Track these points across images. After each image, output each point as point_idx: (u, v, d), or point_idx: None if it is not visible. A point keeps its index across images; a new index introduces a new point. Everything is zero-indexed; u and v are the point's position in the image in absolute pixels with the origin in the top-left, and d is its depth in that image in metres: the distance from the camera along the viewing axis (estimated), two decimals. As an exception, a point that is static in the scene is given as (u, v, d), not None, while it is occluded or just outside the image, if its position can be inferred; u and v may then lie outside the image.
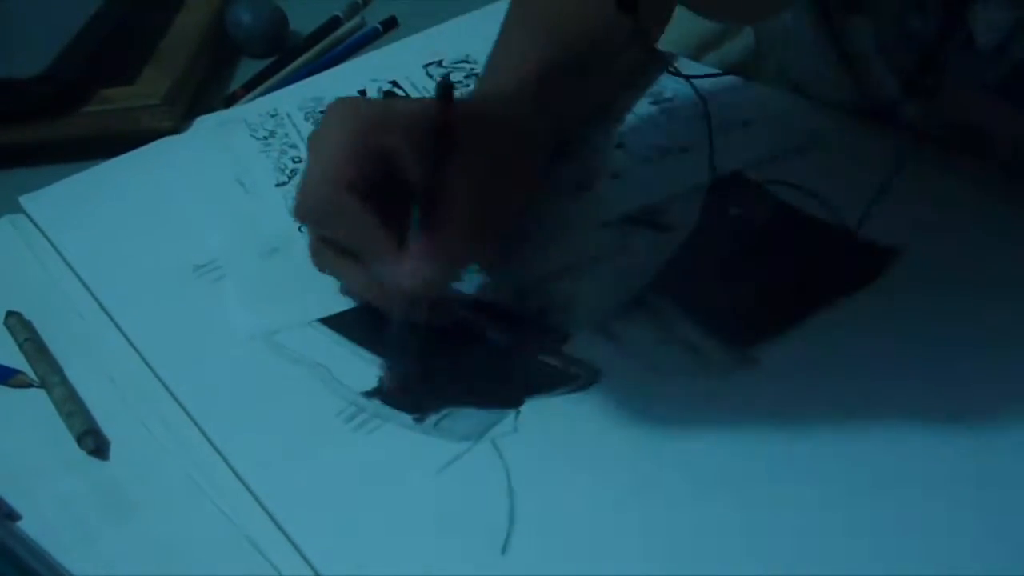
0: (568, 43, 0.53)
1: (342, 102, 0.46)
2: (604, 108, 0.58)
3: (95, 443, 0.42)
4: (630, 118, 0.58)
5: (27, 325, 0.49)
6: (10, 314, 0.49)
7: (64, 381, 0.45)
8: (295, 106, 0.64)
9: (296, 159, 0.59)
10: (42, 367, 0.46)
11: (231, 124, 0.63)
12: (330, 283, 0.48)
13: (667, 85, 0.60)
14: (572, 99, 0.53)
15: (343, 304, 0.48)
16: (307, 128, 0.62)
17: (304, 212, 0.45)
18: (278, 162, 0.59)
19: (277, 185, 0.57)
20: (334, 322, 0.47)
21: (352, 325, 0.47)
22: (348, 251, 0.44)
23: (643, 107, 0.58)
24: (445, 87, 0.44)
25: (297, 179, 0.55)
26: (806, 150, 0.54)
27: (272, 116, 0.63)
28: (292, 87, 0.68)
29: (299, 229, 0.51)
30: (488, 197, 0.44)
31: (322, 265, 0.47)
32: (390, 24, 0.78)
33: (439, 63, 0.66)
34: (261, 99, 0.68)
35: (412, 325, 0.43)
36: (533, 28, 0.54)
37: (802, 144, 0.54)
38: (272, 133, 0.61)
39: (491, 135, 0.46)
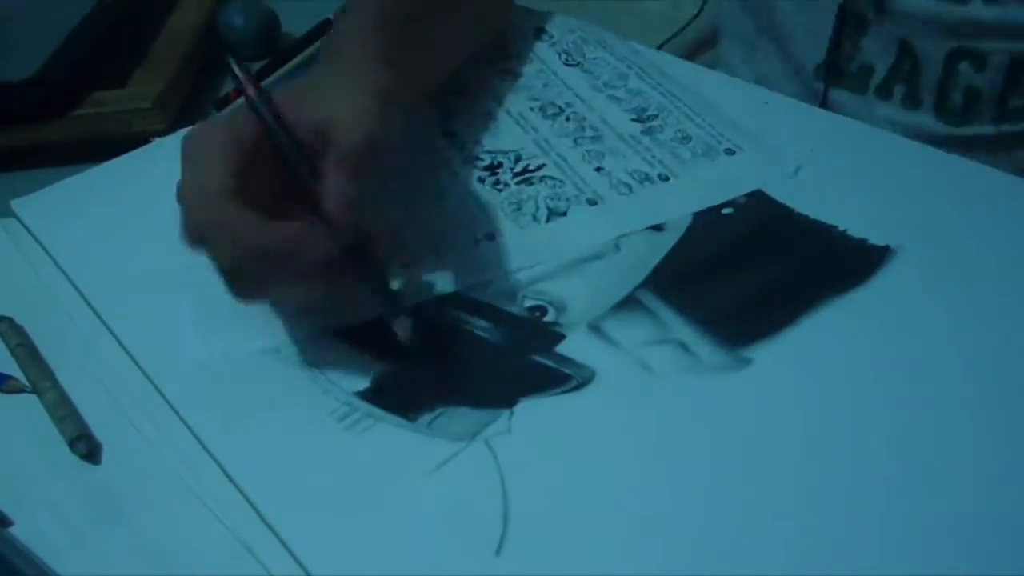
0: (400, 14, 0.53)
1: (188, 135, 0.45)
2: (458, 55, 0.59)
3: (87, 447, 0.42)
4: (610, 137, 0.56)
5: (19, 330, 0.48)
6: (1, 319, 0.49)
7: (56, 386, 0.45)
8: None
9: None
10: (34, 372, 0.46)
11: None
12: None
13: (652, 99, 0.58)
14: (420, 45, 0.53)
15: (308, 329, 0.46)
16: None
17: (195, 234, 0.42)
18: None
19: None
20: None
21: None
22: (272, 266, 0.42)
23: (624, 124, 0.57)
24: (231, 63, 0.45)
25: None
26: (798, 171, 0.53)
27: None
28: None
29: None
30: (360, 109, 0.44)
31: (253, 293, 0.44)
32: None
33: None
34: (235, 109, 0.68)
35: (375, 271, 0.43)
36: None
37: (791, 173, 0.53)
38: None
39: (341, 73, 0.47)
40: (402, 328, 0.43)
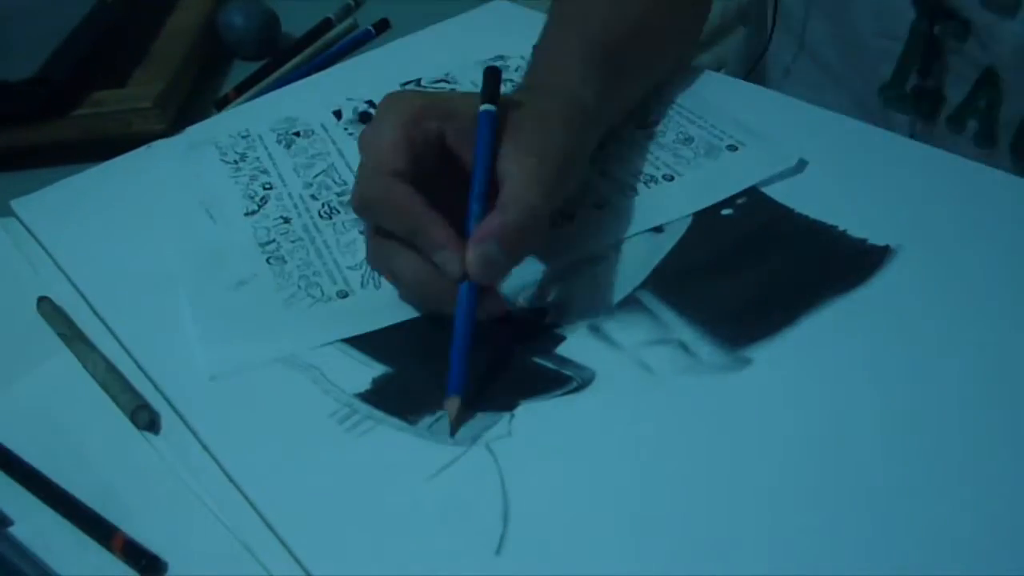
0: (603, 41, 0.54)
1: (391, 97, 0.47)
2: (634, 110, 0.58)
3: (149, 417, 0.43)
4: (613, 144, 0.56)
5: (60, 310, 0.49)
6: (42, 299, 0.50)
7: (106, 360, 0.46)
8: (267, 127, 0.63)
9: (266, 185, 0.57)
10: (81, 349, 0.47)
11: (201, 147, 0.62)
12: (300, 320, 0.47)
13: (651, 107, 0.59)
14: (611, 95, 0.53)
15: (312, 340, 0.46)
16: (278, 151, 0.60)
17: (359, 204, 0.45)
18: (248, 188, 0.57)
19: (246, 214, 0.55)
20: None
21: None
22: (407, 242, 0.44)
23: (626, 132, 0.57)
24: (492, 71, 0.47)
25: (267, 207, 0.55)
26: (799, 170, 0.53)
27: (244, 137, 0.62)
28: (267, 97, 0.68)
29: (267, 261, 0.51)
30: (542, 179, 0.44)
31: (378, 261, 0.46)
32: (382, 26, 0.78)
33: (418, 82, 0.66)
34: (235, 112, 0.68)
35: (470, 322, 0.43)
36: (571, 28, 0.55)
37: (795, 169, 0.53)
38: (243, 157, 0.60)
39: (542, 119, 0.47)
40: (451, 407, 0.41)
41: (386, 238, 0.45)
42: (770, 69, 0.72)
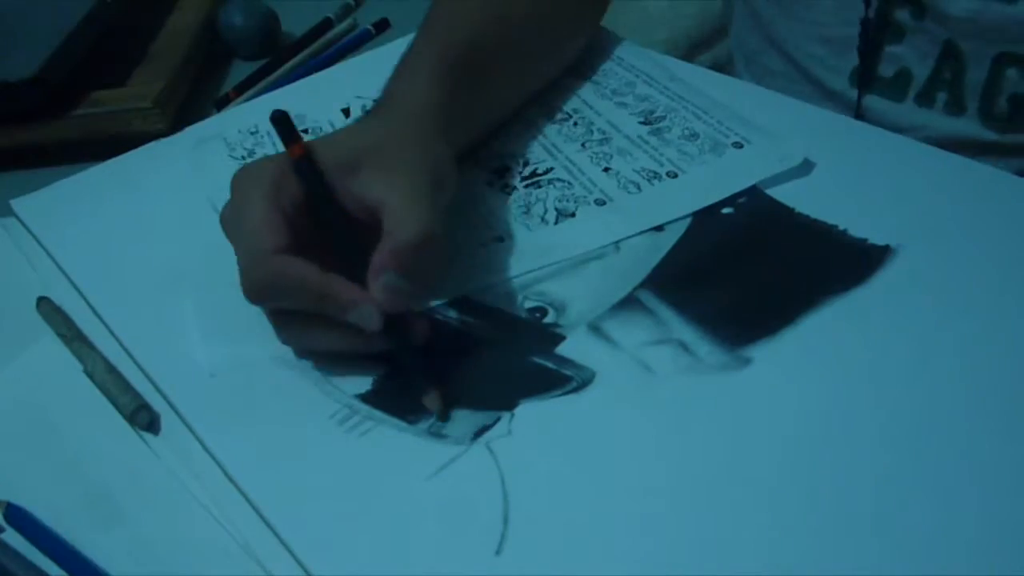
0: (462, 41, 0.54)
1: (242, 171, 0.45)
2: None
3: (148, 418, 0.43)
4: (618, 139, 0.56)
5: (60, 310, 0.50)
6: (41, 300, 0.50)
7: (105, 361, 0.46)
8: None
9: None
10: (82, 349, 0.47)
11: (209, 143, 0.62)
12: None
13: (659, 102, 0.59)
14: (470, 96, 0.52)
15: None
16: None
17: (253, 293, 0.43)
18: None
19: None
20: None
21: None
22: (311, 315, 0.43)
23: (632, 126, 0.57)
24: (277, 118, 0.44)
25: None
26: (800, 170, 0.52)
27: (252, 134, 0.62)
28: (274, 94, 0.68)
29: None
30: (418, 196, 0.43)
31: (291, 341, 0.45)
32: (382, 26, 0.78)
33: None
34: (244, 107, 0.68)
35: (412, 348, 0.43)
36: (430, 33, 0.55)
37: (796, 169, 0.52)
38: (251, 153, 0.60)
39: (397, 137, 0.46)
40: (431, 403, 0.42)
41: (289, 316, 0.44)
42: (749, 65, 0.73)
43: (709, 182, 0.52)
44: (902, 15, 0.60)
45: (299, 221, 0.43)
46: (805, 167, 0.53)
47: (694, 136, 0.55)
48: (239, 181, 0.44)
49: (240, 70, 0.74)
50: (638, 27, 0.92)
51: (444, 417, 0.42)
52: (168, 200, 0.57)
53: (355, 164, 0.44)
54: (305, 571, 0.37)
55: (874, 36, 0.62)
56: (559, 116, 0.59)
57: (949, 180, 0.51)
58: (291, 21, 0.78)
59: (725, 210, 0.51)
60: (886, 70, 0.63)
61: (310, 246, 0.42)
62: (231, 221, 0.44)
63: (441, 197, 0.46)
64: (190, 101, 0.70)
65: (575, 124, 0.58)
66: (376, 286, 0.41)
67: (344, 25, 0.79)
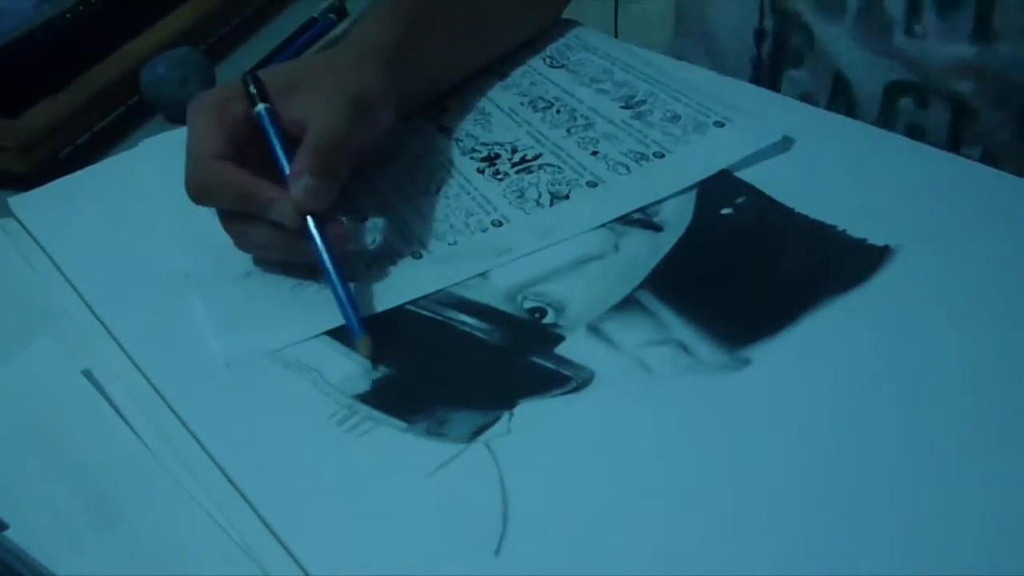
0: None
1: (199, 95, 0.51)
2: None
3: None
4: (602, 124, 0.57)
5: None
6: None
7: None
8: None
9: None
10: None
11: None
12: (307, 307, 0.48)
13: (639, 87, 0.60)
14: (424, 43, 0.56)
15: (320, 326, 0.47)
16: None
17: (193, 193, 0.48)
18: None
19: None
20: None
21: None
22: (249, 215, 0.48)
23: (614, 111, 0.58)
24: (248, 78, 0.50)
25: None
26: (783, 149, 0.54)
27: None
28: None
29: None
30: (333, 109, 0.49)
31: (240, 242, 0.50)
32: (341, 13, 0.80)
33: None
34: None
35: (332, 255, 0.46)
36: None
37: (778, 144, 0.54)
38: None
39: (330, 65, 0.52)
40: (364, 348, 0.44)
41: (232, 217, 0.49)
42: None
43: (697, 160, 0.53)
44: (800, 44, 0.63)
45: (245, 137, 0.49)
46: (790, 145, 0.54)
47: (676, 118, 0.57)
48: (194, 102, 0.50)
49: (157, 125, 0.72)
50: (636, 28, 0.92)
51: (376, 364, 0.44)
52: (167, 199, 0.57)
53: (292, 87, 0.50)
54: (304, 572, 0.37)
55: (772, 56, 0.64)
56: (541, 105, 0.60)
57: (949, 180, 0.51)
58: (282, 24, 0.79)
59: (725, 210, 0.51)
60: (788, 91, 0.64)
61: (262, 162, 0.48)
62: (187, 137, 0.49)
63: (363, 118, 0.50)
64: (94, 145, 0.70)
65: (558, 111, 0.59)
66: (295, 187, 0.46)
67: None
